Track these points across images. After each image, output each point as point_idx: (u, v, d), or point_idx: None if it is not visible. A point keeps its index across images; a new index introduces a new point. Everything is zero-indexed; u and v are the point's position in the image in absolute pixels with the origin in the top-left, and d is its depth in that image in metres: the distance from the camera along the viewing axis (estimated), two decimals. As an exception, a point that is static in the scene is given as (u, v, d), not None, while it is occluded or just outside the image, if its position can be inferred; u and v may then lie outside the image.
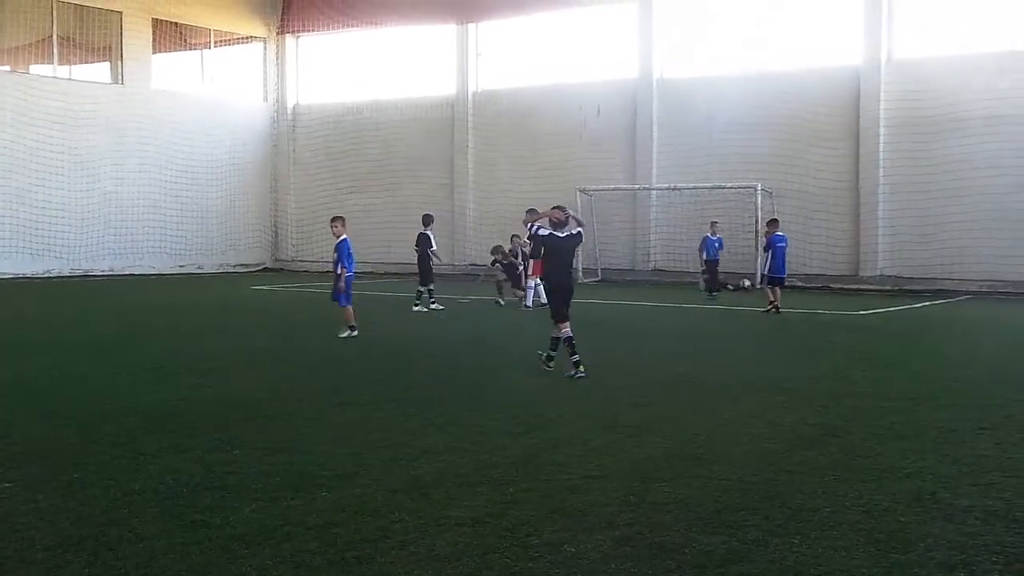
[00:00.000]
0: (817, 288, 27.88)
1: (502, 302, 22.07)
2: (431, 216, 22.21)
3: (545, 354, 12.46)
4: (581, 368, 11.89)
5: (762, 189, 28.75)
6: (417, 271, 21.65)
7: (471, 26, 34.97)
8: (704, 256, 25.27)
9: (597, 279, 31.00)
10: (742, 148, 29.98)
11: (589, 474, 7.31)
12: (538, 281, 19.67)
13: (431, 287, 21.31)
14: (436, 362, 13.61)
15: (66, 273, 31.61)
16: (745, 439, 8.62)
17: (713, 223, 26.08)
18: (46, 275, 30.94)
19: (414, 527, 5.99)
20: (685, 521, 6.17)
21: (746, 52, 30.58)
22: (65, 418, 9.37)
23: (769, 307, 20.80)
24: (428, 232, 21.64)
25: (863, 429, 9.04)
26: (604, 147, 32.35)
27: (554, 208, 12.65)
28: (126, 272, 33.15)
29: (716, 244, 25.19)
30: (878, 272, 28.57)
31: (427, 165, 35.77)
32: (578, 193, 31.40)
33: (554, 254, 12.60)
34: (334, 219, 16.69)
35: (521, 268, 22.31)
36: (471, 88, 35.07)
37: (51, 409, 9.83)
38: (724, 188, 29.57)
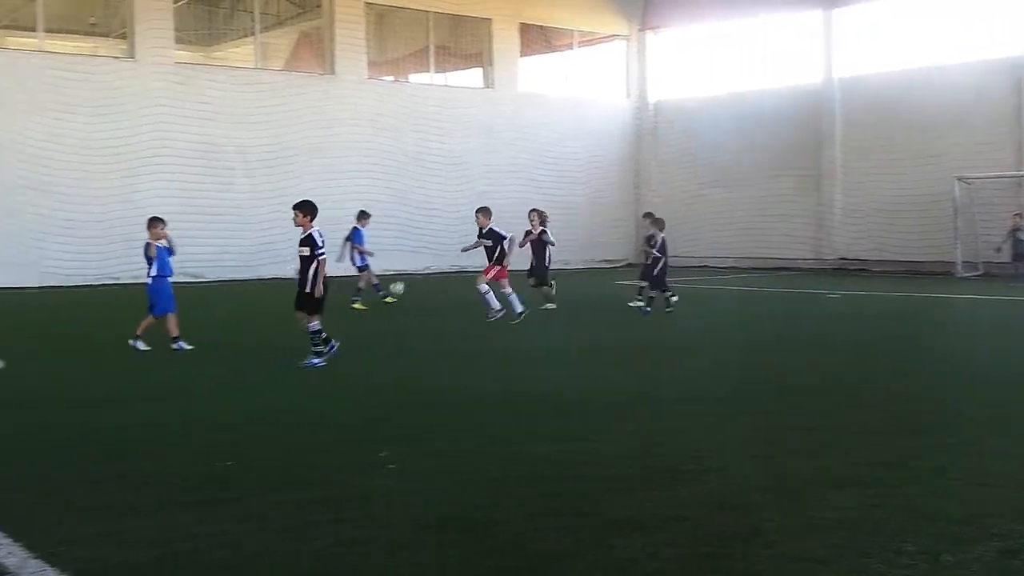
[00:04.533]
0: None
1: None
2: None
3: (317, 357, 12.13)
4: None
5: None
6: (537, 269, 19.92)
7: (837, 11, 33.77)
8: None
9: (978, 273, 29.02)
10: None
11: (973, 480, 6.83)
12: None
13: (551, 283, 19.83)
14: (804, 359, 13.26)
15: (444, 269, 33.38)
16: None
17: None
18: (425, 271, 32.83)
19: (783, 527, 5.82)
20: (1087, 535, 5.63)
21: None
22: (435, 405, 9.83)
23: None
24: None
25: None
26: (985, 131, 30.23)
27: None
28: (497, 268, 34.55)
29: None
30: None
31: (791, 156, 34.88)
32: (956, 182, 29.58)
33: None
34: (154, 220, 14.50)
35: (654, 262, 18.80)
36: (837, 75, 33.85)
37: (426, 394, 10.40)
38: None
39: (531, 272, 19.99)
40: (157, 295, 13.92)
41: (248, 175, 30.28)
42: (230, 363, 12.93)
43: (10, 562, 5.16)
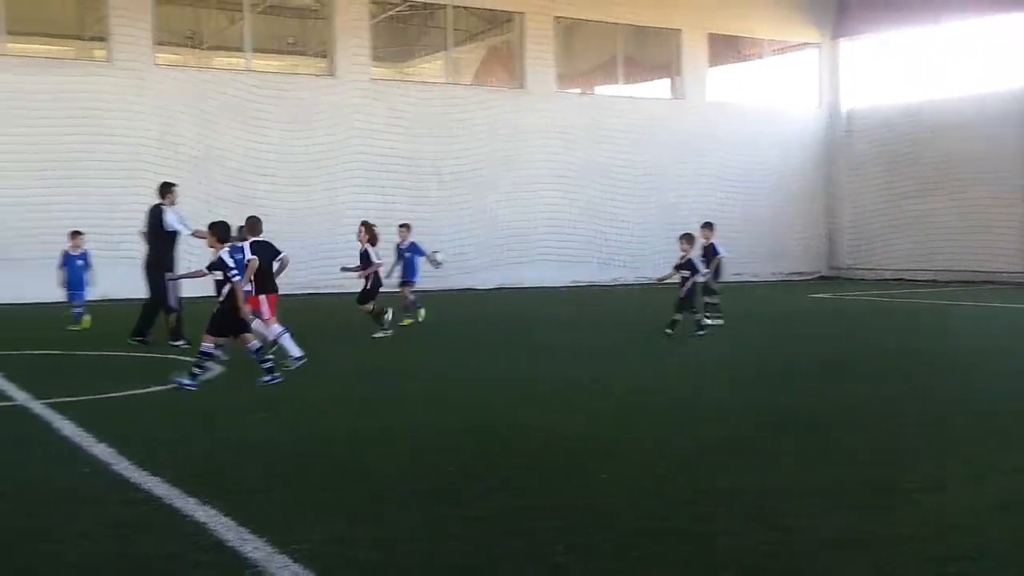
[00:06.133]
0: None
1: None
2: None
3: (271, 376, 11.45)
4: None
5: None
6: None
7: (1046, 12, 32.31)
8: None
9: None
10: None
11: None
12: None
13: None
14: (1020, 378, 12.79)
15: (631, 281, 33.36)
16: None
17: None
18: (613, 283, 32.92)
19: (1014, 547, 5.67)
20: None
21: None
22: (642, 417, 9.94)
23: None
24: None
25: None
26: None
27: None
28: (684, 280, 34.34)
29: None
30: None
31: (996, 165, 33.43)
32: None
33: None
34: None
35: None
36: (1045, 80, 32.38)
37: (627, 408, 10.48)
38: None
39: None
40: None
41: (440, 187, 30.97)
42: (441, 373, 13.29)
43: (257, 556, 5.47)
